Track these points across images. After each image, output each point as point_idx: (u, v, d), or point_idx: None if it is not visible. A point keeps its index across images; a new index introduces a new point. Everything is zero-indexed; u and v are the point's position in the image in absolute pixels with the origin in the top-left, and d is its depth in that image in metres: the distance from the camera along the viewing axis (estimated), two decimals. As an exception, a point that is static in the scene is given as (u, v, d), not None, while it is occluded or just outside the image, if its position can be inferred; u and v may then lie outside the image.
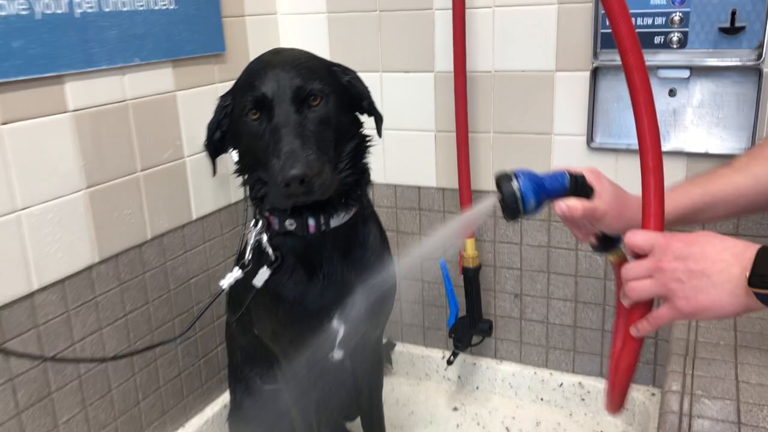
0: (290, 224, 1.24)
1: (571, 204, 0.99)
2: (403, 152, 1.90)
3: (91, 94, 1.37)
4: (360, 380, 1.57)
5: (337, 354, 1.39)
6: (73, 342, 1.39)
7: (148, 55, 1.49)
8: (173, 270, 1.63)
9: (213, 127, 1.25)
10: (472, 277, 1.82)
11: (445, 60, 1.76)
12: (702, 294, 0.85)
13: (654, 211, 0.95)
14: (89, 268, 1.41)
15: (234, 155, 1.28)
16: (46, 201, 1.31)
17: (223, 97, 1.25)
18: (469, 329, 1.87)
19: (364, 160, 1.29)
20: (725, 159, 1.57)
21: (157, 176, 1.55)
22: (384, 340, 2.10)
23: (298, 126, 1.14)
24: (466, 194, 1.75)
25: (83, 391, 1.43)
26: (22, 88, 1.24)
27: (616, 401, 1.07)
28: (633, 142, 1.13)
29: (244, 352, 1.54)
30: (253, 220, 1.31)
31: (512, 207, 0.97)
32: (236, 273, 1.29)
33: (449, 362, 1.93)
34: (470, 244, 1.80)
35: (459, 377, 2.03)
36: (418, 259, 1.23)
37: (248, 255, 1.29)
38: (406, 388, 2.02)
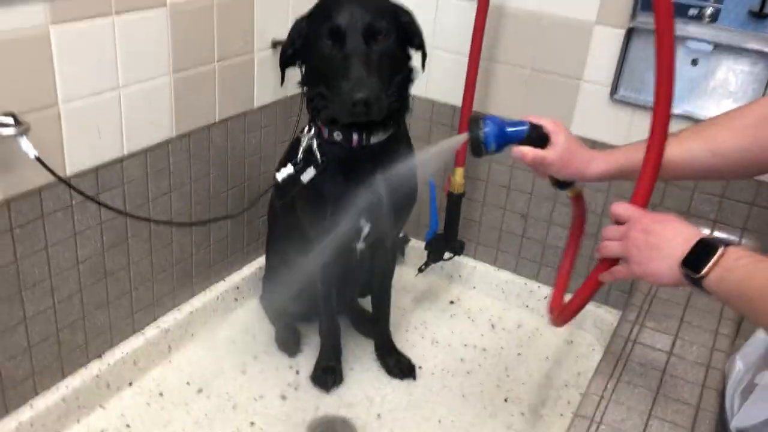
0: (337, 135, 1.49)
1: (524, 151, 1.22)
2: (444, 72, 2.10)
3: (185, -7, 1.58)
4: (376, 267, 1.87)
5: (360, 245, 1.69)
6: (148, 200, 1.68)
7: (236, -40, 1.68)
8: (232, 150, 1.90)
9: (288, 45, 1.47)
10: (455, 202, 2.03)
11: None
12: (651, 263, 1.07)
13: (642, 191, 1.15)
14: (167, 141, 1.68)
15: (300, 70, 1.51)
16: (141, 82, 1.55)
17: (299, 21, 1.48)
18: (443, 245, 2.09)
19: (408, 91, 1.52)
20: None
21: (229, 67, 1.78)
22: (401, 235, 2.39)
23: (365, 56, 1.36)
24: (465, 119, 1.93)
25: (152, 240, 1.74)
26: (133, -15, 1.45)
27: (566, 317, 1.33)
28: (650, 99, 1.27)
29: (284, 228, 1.83)
30: (307, 127, 1.55)
31: (476, 148, 1.21)
32: (289, 169, 1.54)
33: (420, 270, 2.14)
34: (459, 172, 1.99)
35: (460, 276, 2.33)
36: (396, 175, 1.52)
37: (300, 155, 1.54)
38: (413, 278, 2.32)
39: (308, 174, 1.54)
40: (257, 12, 1.80)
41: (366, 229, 1.62)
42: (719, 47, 1.74)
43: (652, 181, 1.14)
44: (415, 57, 1.54)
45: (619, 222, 1.16)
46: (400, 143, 1.59)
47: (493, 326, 2.16)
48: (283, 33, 1.88)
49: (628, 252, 1.11)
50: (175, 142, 1.70)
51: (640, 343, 1.46)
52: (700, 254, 1.01)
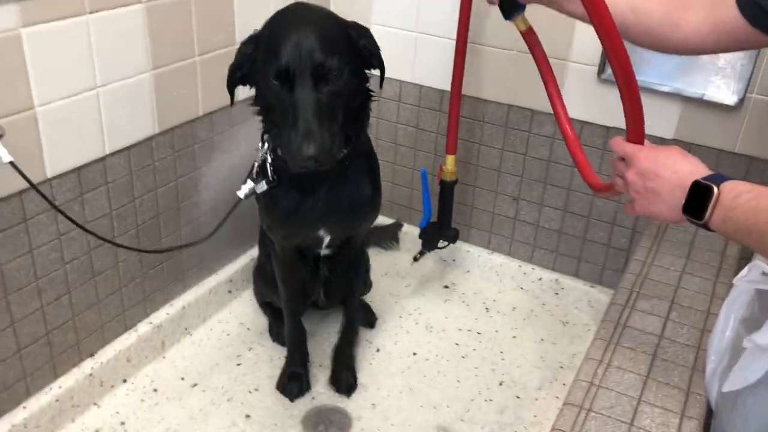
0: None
1: None
2: (430, 56, 2.08)
3: (161, -13, 1.56)
4: (342, 272, 1.80)
5: (325, 251, 1.69)
6: (133, 198, 1.68)
7: (212, -49, 1.65)
8: (219, 143, 1.88)
9: (234, 70, 1.39)
10: (447, 190, 2.00)
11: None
12: (653, 205, 1.06)
13: (634, 129, 1.10)
14: (150, 138, 1.66)
15: (251, 90, 1.44)
16: (120, 80, 1.53)
17: (245, 44, 1.37)
18: (437, 234, 2.06)
19: (367, 111, 1.47)
20: (718, 107, 1.76)
21: (211, 61, 1.76)
22: (393, 221, 2.39)
23: (315, 104, 1.26)
24: (455, 103, 1.90)
25: (139, 237, 1.73)
26: (106, -18, 1.43)
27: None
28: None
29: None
30: (260, 142, 1.52)
31: None
32: (249, 184, 1.52)
33: (415, 259, 2.11)
34: (451, 160, 1.96)
35: (454, 260, 2.33)
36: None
37: (254, 170, 1.52)
38: (407, 264, 2.32)
39: (261, 186, 1.52)
40: (236, 3, 1.78)
41: (326, 239, 1.61)
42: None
43: (638, 114, 1.09)
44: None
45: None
46: (358, 157, 1.53)
47: (487, 309, 2.16)
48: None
49: (630, 193, 1.10)
50: (157, 138, 1.68)
51: (630, 327, 1.46)
52: (697, 198, 0.99)
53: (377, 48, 1.40)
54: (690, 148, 1.83)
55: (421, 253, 2.12)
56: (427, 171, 2.03)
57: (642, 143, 1.11)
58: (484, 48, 1.99)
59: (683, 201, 1.01)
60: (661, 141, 1.85)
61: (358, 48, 1.37)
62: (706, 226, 1.00)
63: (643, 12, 1.23)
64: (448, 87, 2.00)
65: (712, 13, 1.19)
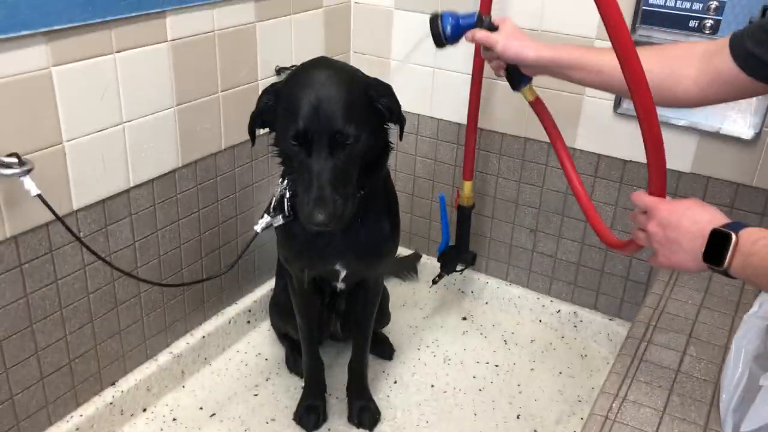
0: None
1: (474, 31, 1.42)
2: (447, 90, 2.11)
3: (186, 26, 1.61)
4: (358, 305, 1.79)
5: (341, 285, 1.70)
6: (156, 229, 1.72)
7: (236, -9, 1.71)
8: (240, 175, 1.92)
9: (255, 117, 1.42)
10: (465, 215, 2.05)
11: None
12: (675, 255, 1.08)
13: (655, 182, 1.13)
14: (174, 171, 1.71)
15: (272, 135, 1.46)
16: (145, 116, 1.59)
17: (266, 93, 1.40)
18: (455, 257, 2.11)
19: (386, 158, 1.48)
20: (734, 141, 1.76)
21: (233, 96, 1.81)
22: (411, 252, 2.40)
23: (329, 170, 1.29)
24: (471, 133, 1.96)
25: (161, 267, 1.77)
26: (133, 23, 1.48)
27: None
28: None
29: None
30: (281, 177, 1.55)
31: (437, 39, 1.45)
32: (266, 219, 1.55)
33: (434, 282, 2.17)
34: (468, 185, 2.01)
35: (472, 292, 2.33)
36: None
37: (273, 203, 1.56)
38: (426, 295, 2.33)
39: (278, 220, 1.55)
40: (260, 41, 1.83)
41: (342, 273, 1.62)
42: (722, 57, 1.72)
43: (660, 169, 1.11)
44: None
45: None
46: (376, 197, 1.55)
47: (505, 342, 2.16)
48: (286, 60, 1.93)
49: (652, 246, 1.12)
50: (181, 171, 1.73)
51: (646, 361, 1.45)
52: (717, 246, 1.01)
53: (398, 105, 1.42)
54: (707, 181, 1.83)
55: (440, 276, 2.17)
56: (445, 197, 2.08)
57: (663, 196, 1.13)
58: (500, 83, 2.01)
59: (703, 249, 1.03)
60: (678, 174, 1.86)
61: (378, 109, 1.39)
62: (726, 273, 1.01)
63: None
64: (465, 120, 2.03)
65: (710, 65, 1.22)
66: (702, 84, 1.23)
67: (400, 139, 1.48)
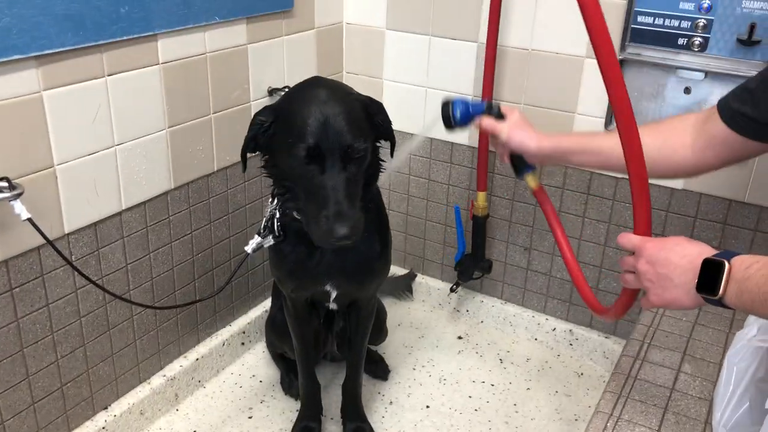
0: (297, 215, 1.45)
1: (482, 119, 1.46)
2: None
3: (178, 49, 1.62)
4: (350, 326, 1.80)
5: (333, 306, 1.69)
6: (149, 252, 1.71)
7: (227, 14, 1.72)
8: (233, 197, 1.92)
9: (249, 140, 1.40)
10: (480, 224, 2.12)
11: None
12: (667, 292, 1.07)
13: (640, 221, 1.14)
14: (166, 193, 1.71)
15: (262, 158, 1.45)
16: (137, 138, 1.59)
17: (261, 115, 1.38)
18: (471, 266, 2.17)
19: (377, 179, 1.49)
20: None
21: (225, 118, 1.81)
22: (406, 271, 2.40)
23: (345, 184, 1.30)
24: (484, 149, 1.99)
25: (154, 290, 1.76)
26: (125, 46, 1.49)
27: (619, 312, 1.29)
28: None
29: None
30: (271, 197, 1.55)
31: (447, 122, 1.48)
32: (256, 239, 1.55)
33: (452, 290, 2.26)
34: (482, 196, 2.06)
35: (467, 311, 2.32)
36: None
37: (263, 224, 1.55)
38: (421, 314, 2.32)
39: (268, 241, 1.54)
40: (252, 62, 1.84)
41: (334, 294, 1.61)
42: (710, 75, 1.74)
43: (645, 207, 1.12)
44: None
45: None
46: (366, 212, 1.50)
47: (501, 361, 2.15)
48: (278, 81, 1.94)
49: (643, 285, 1.11)
50: (173, 193, 1.73)
51: (641, 379, 1.44)
52: (709, 275, 1.01)
53: (390, 123, 1.45)
54: (699, 197, 1.84)
55: (458, 285, 2.24)
56: (459, 208, 2.17)
57: (649, 235, 1.13)
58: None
59: (696, 281, 1.02)
60: (670, 191, 1.86)
61: (375, 124, 1.42)
62: (721, 303, 1.00)
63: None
64: (458, 140, 2.04)
65: (703, 130, 1.24)
66: (698, 149, 1.25)
67: (391, 155, 1.50)
